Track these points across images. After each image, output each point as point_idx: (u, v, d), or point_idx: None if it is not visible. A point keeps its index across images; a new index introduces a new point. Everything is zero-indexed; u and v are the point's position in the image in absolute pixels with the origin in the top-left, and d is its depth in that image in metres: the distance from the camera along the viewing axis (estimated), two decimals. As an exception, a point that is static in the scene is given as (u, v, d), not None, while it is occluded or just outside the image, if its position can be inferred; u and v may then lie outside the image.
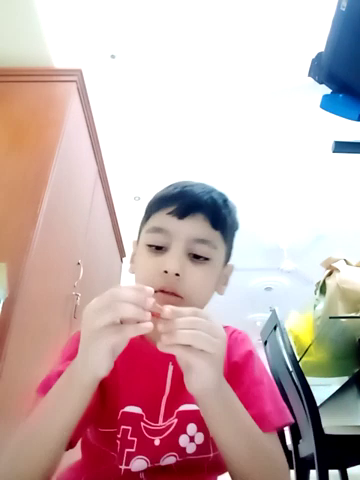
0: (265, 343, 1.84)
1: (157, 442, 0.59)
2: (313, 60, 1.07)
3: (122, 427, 0.59)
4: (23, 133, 1.63)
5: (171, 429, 0.60)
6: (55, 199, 1.54)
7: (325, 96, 1.10)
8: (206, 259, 0.60)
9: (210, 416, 0.51)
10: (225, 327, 0.67)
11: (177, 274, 0.57)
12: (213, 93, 2.90)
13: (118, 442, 0.59)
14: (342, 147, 1.13)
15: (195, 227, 0.60)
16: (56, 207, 1.56)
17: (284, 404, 0.63)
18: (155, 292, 0.55)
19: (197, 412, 0.59)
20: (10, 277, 1.23)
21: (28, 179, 1.49)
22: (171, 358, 0.62)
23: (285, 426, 0.60)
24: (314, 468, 1.25)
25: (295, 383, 1.46)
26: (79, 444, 0.65)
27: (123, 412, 0.60)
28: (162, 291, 0.57)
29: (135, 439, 0.59)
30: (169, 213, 0.60)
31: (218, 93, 2.91)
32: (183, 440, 0.59)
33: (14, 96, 1.76)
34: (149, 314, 0.44)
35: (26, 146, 1.59)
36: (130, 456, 0.58)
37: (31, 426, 0.51)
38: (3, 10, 1.64)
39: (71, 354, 0.60)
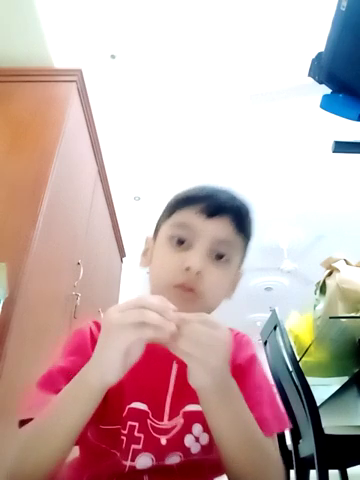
0: (265, 343, 1.84)
1: (163, 441, 0.60)
2: (313, 60, 1.07)
3: (129, 423, 0.60)
4: (23, 133, 1.63)
5: (177, 429, 0.61)
6: (55, 199, 1.54)
7: (325, 96, 1.10)
8: (226, 261, 0.62)
9: (207, 410, 0.53)
10: (229, 328, 0.68)
11: (198, 272, 0.58)
12: (213, 93, 2.91)
13: (124, 438, 0.59)
14: (342, 147, 1.13)
15: (221, 228, 0.62)
16: (56, 207, 1.56)
17: (282, 410, 0.64)
18: (174, 287, 0.59)
19: (202, 413, 0.61)
20: (10, 277, 1.23)
21: (28, 179, 1.49)
22: (175, 357, 0.64)
23: (282, 431, 0.63)
24: (314, 468, 1.25)
25: (295, 383, 1.46)
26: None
27: (130, 408, 0.60)
28: (181, 287, 0.59)
29: (142, 436, 0.59)
30: (196, 212, 0.62)
31: (218, 93, 2.91)
32: (188, 440, 0.60)
33: (14, 96, 1.76)
34: (172, 324, 0.46)
35: (26, 146, 1.59)
36: (136, 452, 0.58)
37: (39, 427, 0.52)
38: (3, 10, 1.64)
39: (73, 349, 0.62)
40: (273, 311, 1.69)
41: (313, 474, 1.33)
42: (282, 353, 1.58)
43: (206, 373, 0.48)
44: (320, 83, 1.08)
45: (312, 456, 1.29)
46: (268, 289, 5.39)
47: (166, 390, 0.63)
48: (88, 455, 0.64)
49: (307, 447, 1.39)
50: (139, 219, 3.90)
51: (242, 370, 0.63)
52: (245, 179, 3.72)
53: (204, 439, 0.61)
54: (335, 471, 1.76)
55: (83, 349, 0.61)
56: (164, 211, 0.70)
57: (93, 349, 0.58)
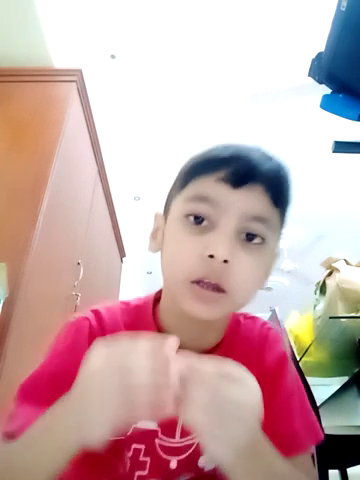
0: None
1: (173, 464, 0.51)
2: (313, 60, 1.07)
3: (133, 446, 0.50)
4: (23, 133, 1.63)
5: (190, 450, 0.51)
6: (55, 199, 1.54)
7: (325, 96, 1.10)
8: (260, 243, 0.48)
9: (229, 475, 0.40)
10: (251, 318, 0.61)
11: (225, 261, 0.44)
12: (213, 93, 2.90)
13: (128, 462, 0.51)
14: (342, 147, 1.13)
15: (253, 200, 0.47)
16: (56, 207, 1.56)
17: (314, 417, 0.55)
18: (191, 284, 0.46)
19: None
20: (10, 277, 1.23)
21: (28, 179, 1.49)
22: None
23: (316, 443, 0.54)
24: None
25: (295, 383, 1.46)
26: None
27: (135, 428, 0.50)
28: (200, 282, 0.46)
29: (148, 459, 0.50)
30: (219, 179, 0.47)
31: (218, 93, 2.91)
32: (203, 461, 0.52)
33: (14, 96, 1.76)
34: (171, 394, 0.34)
35: (26, 146, 1.59)
36: (141, 479, 0.50)
37: (11, 462, 0.43)
38: (3, 10, 1.64)
39: (65, 348, 0.54)
40: (273, 311, 1.69)
41: (313, 474, 1.33)
42: (282, 353, 1.57)
43: (227, 448, 0.35)
44: (320, 83, 1.08)
45: (312, 456, 1.28)
46: (268, 289, 5.39)
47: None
48: (88, 459, 0.55)
49: (307, 447, 1.39)
50: (139, 219, 3.89)
51: (272, 376, 0.54)
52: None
53: None
54: (335, 471, 1.76)
55: (78, 350, 0.51)
56: (176, 179, 0.54)
57: None
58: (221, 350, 0.55)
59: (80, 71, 1.82)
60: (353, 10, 0.91)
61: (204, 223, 0.47)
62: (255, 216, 0.47)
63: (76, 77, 1.79)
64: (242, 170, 0.47)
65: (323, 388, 2.17)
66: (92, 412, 0.35)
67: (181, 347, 0.50)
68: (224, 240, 0.45)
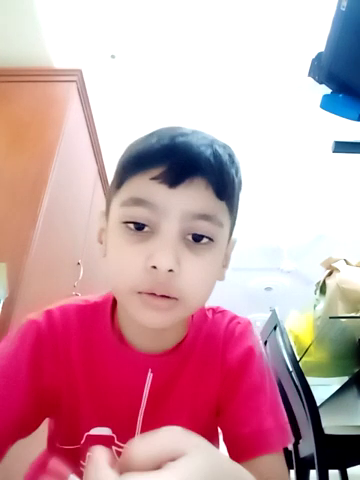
0: (265, 343, 1.84)
1: None
2: (313, 60, 1.07)
3: (88, 454, 0.46)
4: (23, 133, 1.63)
5: None
6: (55, 199, 1.54)
7: (325, 96, 1.10)
8: (208, 242, 0.43)
9: None
10: (221, 312, 0.58)
11: (170, 270, 0.40)
12: (213, 92, 2.90)
13: (83, 470, 0.48)
14: (342, 147, 1.13)
15: (194, 198, 0.42)
16: (56, 207, 1.56)
17: (285, 418, 0.51)
18: (138, 293, 0.42)
19: None
20: (10, 277, 1.23)
21: (28, 179, 1.49)
22: (152, 364, 0.50)
23: (285, 445, 0.50)
24: (314, 468, 1.25)
25: (295, 383, 1.46)
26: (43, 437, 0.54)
27: (88, 435, 0.47)
28: (148, 293, 0.42)
29: None
30: (154, 178, 0.41)
31: (218, 93, 2.91)
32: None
33: (14, 96, 1.76)
34: None
35: (26, 146, 1.59)
36: None
37: None
38: (3, 10, 1.64)
39: (6, 355, 0.49)
40: (273, 311, 1.69)
41: (313, 474, 1.33)
42: (282, 353, 1.57)
43: None
44: (320, 83, 1.08)
45: (312, 456, 1.28)
46: (268, 289, 5.39)
47: (137, 406, 0.49)
48: (41, 467, 0.54)
49: (307, 447, 1.39)
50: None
51: (236, 372, 0.52)
52: (245, 180, 3.71)
53: None
54: (335, 471, 1.76)
55: (19, 356, 0.47)
56: (114, 176, 0.48)
57: (36, 367, 0.47)
58: (182, 350, 0.52)
59: (80, 71, 1.82)
60: (353, 10, 0.91)
61: (145, 229, 0.42)
62: (198, 214, 0.42)
63: (76, 77, 1.79)
64: (178, 166, 0.41)
65: (323, 388, 2.17)
66: None
67: (140, 349, 0.51)
68: (167, 248, 0.40)
